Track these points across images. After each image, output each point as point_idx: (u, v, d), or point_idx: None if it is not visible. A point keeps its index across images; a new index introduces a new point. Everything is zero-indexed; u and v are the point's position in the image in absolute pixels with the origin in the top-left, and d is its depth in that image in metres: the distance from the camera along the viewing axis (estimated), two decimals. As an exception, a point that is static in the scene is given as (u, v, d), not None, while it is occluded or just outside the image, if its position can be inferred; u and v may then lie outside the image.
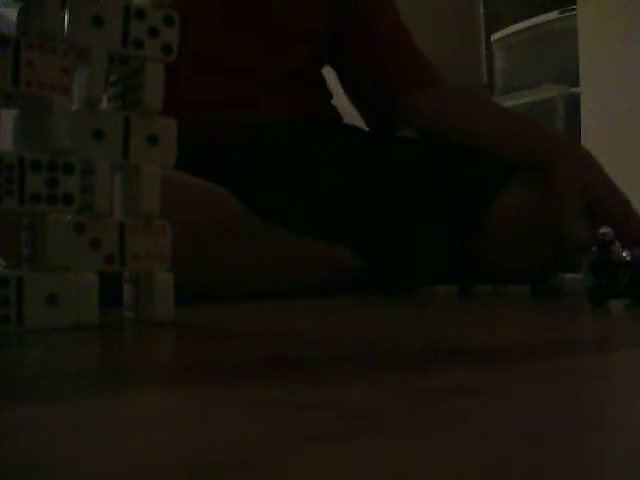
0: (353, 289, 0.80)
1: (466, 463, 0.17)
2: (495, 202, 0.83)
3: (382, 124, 1.01)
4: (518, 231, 0.82)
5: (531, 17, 2.24)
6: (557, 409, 0.23)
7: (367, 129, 1.02)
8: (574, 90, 2.06)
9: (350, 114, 1.03)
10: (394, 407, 0.23)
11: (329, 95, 1.01)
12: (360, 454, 0.18)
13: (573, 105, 2.05)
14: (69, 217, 0.46)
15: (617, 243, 0.62)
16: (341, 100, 1.03)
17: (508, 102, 2.14)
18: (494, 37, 2.36)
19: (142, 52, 0.49)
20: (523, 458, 0.17)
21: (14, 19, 0.51)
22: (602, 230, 0.63)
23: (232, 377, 0.29)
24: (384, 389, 0.26)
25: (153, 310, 0.49)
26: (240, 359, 0.34)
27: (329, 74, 1.03)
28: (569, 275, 0.79)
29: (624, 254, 0.60)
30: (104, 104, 0.51)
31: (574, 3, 2.06)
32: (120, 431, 0.20)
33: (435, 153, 0.90)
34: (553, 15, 2.20)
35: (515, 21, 2.28)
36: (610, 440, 0.19)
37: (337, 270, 0.82)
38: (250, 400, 0.24)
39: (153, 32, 0.50)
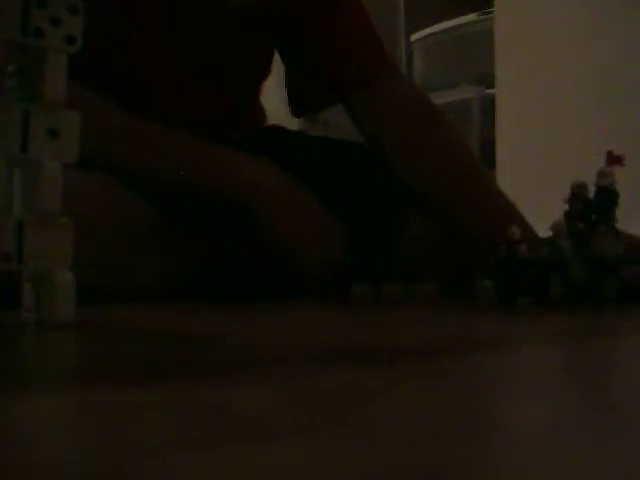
0: (267, 290, 0.80)
1: (354, 465, 0.17)
2: (409, 216, 0.85)
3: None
4: (433, 242, 0.84)
5: (450, 19, 2.29)
6: (451, 409, 0.23)
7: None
8: (490, 91, 2.11)
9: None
10: (288, 410, 0.23)
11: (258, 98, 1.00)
12: (246, 459, 0.17)
13: (489, 106, 2.10)
14: (-38, 213, 0.44)
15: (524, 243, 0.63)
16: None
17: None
18: (413, 38, 2.39)
19: (43, 42, 0.47)
20: (412, 459, 0.17)
21: None
22: (510, 229, 0.64)
23: (128, 380, 0.28)
24: (281, 391, 0.26)
25: (53, 311, 0.47)
26: (140, 361, 0.33)
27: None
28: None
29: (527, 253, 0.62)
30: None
31: (493, 6, 2.10)
32: (5, 438, 0.19)
33: (363, 154, 0.90)
34: (472, 17, 2.24)
35: (434, 22, 2.32)
36: (500, 441, 0.19)
37: (248, 272, 0.81)
38: (143, 404, 0.23)
39: (55, 22, 0.48)
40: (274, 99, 1.05)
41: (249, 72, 0.91)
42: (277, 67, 0.98)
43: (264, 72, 0.94)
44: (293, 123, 1.10)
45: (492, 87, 2.08)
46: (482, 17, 2.20)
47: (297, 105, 0.94)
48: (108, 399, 0.24)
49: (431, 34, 2.32)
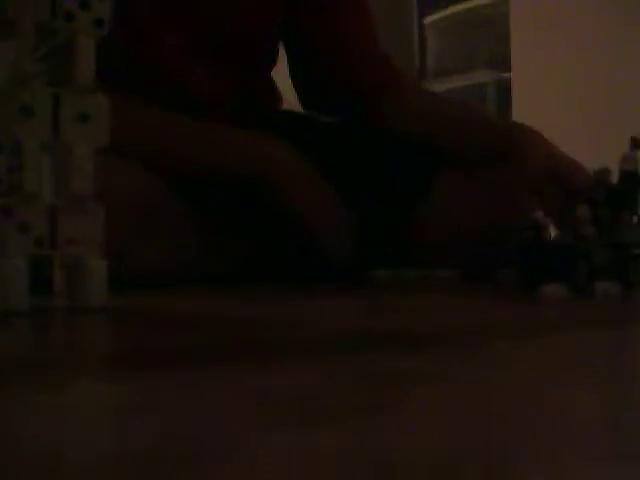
0: (289, 275, 0.80)
1: (421, 448, 0.17)
2: (427, 196, 0.85)
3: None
4: (451, 224, 0.83)
5: (464, 1, 2.27)
6: (503, 395, 0.23)
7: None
8: (505, 75, 2.10)
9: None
10: (344, 393, 0.23)
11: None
12: (318, 443, 0.17)
13: (504, 90, 2.08)
14: (-5, 199, 0.44)
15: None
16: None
17: (440, 86, 2.17)
18: (428, 20, 2.38)
19: (73, 25, 0.47)
20: (478, 440, 0.17)
21: None
22: (534, 215, 0.64)
23: (173, 365, 0.28)
24: (335, 375, 0.26)
25: (86, 296, 0.47)
26: (183, 347, 0.33)
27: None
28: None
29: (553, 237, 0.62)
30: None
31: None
32: (66, 422, 0.19)
33: (373, 144, 0.90)
34: (485, 0, 2.22)
35: (449, 5, 2.30)
36: (553, 425, 0.19)
37: (267, 256, 0.81)
38: (198, 388, 0.23)
39: (85, 5, 0.48)
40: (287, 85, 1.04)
41: (261, 48, 0.91)
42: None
43: (275, 50, 0.95)
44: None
45: (507, 71, 2.07)
46: (496, 0, 2.18)
47: (313, 103, 0.96)
48: (158, 384, 0.24)
49: (445, 16, 2.30)
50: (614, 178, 0.68)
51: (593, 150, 1.06)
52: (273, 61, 0.96)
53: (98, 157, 0.48)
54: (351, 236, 0.80)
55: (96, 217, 0.48)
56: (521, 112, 1.95)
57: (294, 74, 0.97)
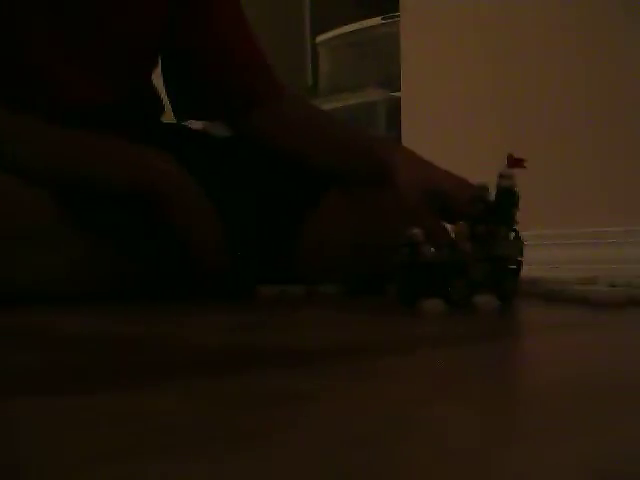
0: (171, 292, 0.78)
1: (292, 471, 0.16)
2: (307, 218, 0.84)
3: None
4: (333, 244, 0.84)
5: (356, 21, 2.31)
6: (375, 412, 0.22)
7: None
8: (395, 94, 2.14)
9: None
10: (211, 416, 0.21)
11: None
12: (172, 471, 0.16)
13: (394, 109, 2.13)
14: None
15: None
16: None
17: (332, 104, 2.19)
18: (320, 38, 2.40)
19: None
20: (344, 462, 0.16)
21: None
22: (412, 231, 0.64)
23: (25, 387, 0.26)
24: (200, 396, 0.24)
25: None
26: (32, 367, 0.31)
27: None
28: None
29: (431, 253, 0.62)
30: None
31: (397, 10, 2.13)
32: None
33: (255, 162, 0.90)
34: (376, 21, 2.27)
35: (341, 24, 2.33)
36: (418, 442, 0.19)
37: (149, 273, 0.79)
38: (51, 411, 0.22)
39: None
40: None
41: (142, 52, 0.88)
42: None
43: (156, 55, 0.92)
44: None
45: (397, 90, 2.11)
46: (387, 21, 2.23)
47: (185, 111, 0.95)
48: (14, 406, 0.23)
49: (336, 36, 2.33)
50: (492, 195, 0.70)
51: (482, 168, 1.09)
52: (153, 66, 0.93)
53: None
54: (228, 252, 0.78)
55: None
56: (410, 131, 2.00)
57: (168, 81, 0.95)
